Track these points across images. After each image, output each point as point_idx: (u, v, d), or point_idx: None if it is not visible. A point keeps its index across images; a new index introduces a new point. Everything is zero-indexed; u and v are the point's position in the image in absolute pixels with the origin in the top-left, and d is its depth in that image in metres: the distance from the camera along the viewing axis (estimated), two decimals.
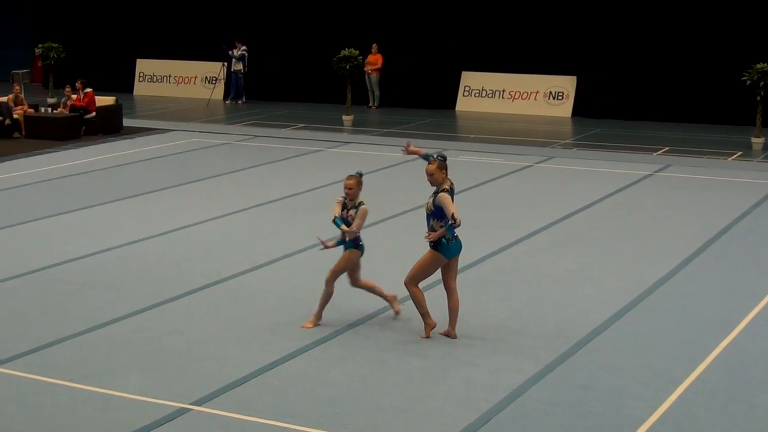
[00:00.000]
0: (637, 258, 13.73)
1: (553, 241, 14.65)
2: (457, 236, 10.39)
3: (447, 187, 10.33)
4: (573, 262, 13.53)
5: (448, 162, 10.54)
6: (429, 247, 10.44)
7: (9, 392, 9.21)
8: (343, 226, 10.71)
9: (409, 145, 11.03)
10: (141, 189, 18.13)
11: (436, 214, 10.27)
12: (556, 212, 16.21)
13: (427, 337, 10.55)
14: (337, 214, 10.76)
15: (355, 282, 11.04)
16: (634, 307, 11.64)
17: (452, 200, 10.22)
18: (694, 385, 9.39)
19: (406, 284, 10.55)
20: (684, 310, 11.59)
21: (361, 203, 10.72)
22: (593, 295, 12.10)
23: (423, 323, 10.60)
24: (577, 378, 9.54)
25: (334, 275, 10.87)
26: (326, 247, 10.89)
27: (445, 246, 10.32)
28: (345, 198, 10.79)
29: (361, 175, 10.87)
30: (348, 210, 10.77)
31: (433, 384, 9.43)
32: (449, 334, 10.57)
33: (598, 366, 9.85)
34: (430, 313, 10.60)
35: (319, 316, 10.94)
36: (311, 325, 10.87)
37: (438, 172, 10.35)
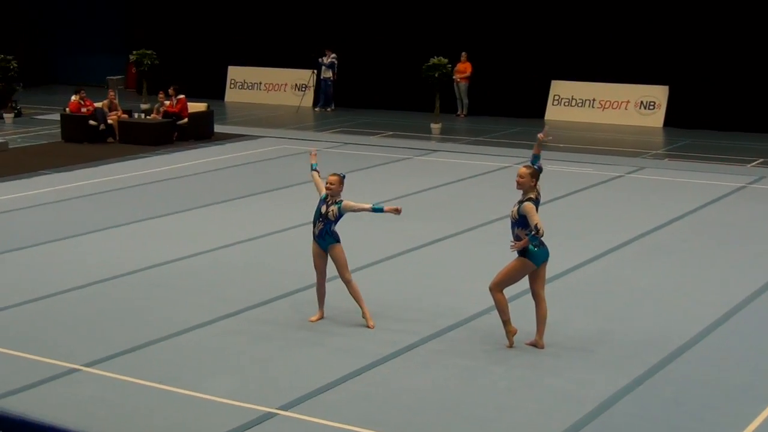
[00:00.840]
0: (729, 271, 13.49)
1: (643, 252, 14.46)
2: (542, 242, 10.31)
3: (533, 196, 10.27)
4: (663, 274, 13.35)
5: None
6: (516, 255, 10.38)
7: (100, 393, 9.37)
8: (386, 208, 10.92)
9: (544, 136, 10.84)
10: (231, 194, 18.34)
11: (521, 222, 10.22)
12: (647, 223, 16.01)
13: (511, 345, 10.49)
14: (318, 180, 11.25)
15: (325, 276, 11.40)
16: (726, 321, 11.43)
17: (536, 211, 10.16)
18: None
19: (490, 289, 10.48)
20: None
21: (342, 200, 11.03)
22: (683, 308, 11.91)
23: (504, 325, 10.50)
24: (666, 392, 9.40)
25: (346, 273, 11.15)
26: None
27: (533, 253, 10.25)
28: (327, 192, 11.08)
29: (344, 177, 11.16)
30: (329, 206, 11.01)
31: (519, 394, 9.37)
32: (536, 344, 10.49)
33: (688, 380, 9.70)
34: (519, 324, 10.54)
35: (366, 313, 11.18)
36: (372, 325, 11.10)
37: (528, 178, 10.29)
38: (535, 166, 10.41)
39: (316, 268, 11.31)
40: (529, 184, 10.29)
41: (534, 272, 10.38)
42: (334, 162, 21.74)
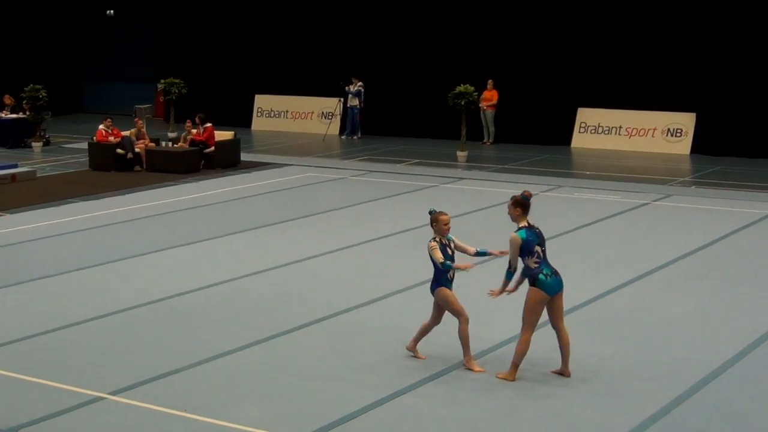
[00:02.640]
0: (757, 300, 13.39)
1: (669, 280, 14.39)
2: (556, 272, 10.28)
3: (521, 225, 10.28)
4: (690, 302, 13.27)
5: (528, 200, 10.39)
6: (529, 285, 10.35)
7: (125, 421, 9.38)
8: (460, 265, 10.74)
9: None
10: (257, 222, 18.38)
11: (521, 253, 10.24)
12: (674, 251, 15.93)
13: (498, 376, 10.36)
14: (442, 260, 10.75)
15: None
16: (753, 350, 11.33)
17: (543, 241, 10.18)
18: None
19: (521, 330, 10.42)
20: None
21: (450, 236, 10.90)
22: (710, 337, 11.83)
23: (511, 365, 10.36)
24: (692, 422, 9.32)
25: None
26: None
27: (544, 282, 10.18)
28: (442, 236, 10.81)
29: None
30: (449, 245, 10.84)
31: (546, 423, 9.31)
32: (563, 373, 10.43)
33: (714, 410, 9.62)
34: (544, 351, 10.48)
35: (418, 345, 11.10)
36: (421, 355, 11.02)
37: (512, 208, 10.40)
38: (522, 196, 10.40)
39: (437, 316, 11.07)
40: (515, 213, 10.33)
41: (550, 303, 10.30)
42: (362, 190, 21.79)
